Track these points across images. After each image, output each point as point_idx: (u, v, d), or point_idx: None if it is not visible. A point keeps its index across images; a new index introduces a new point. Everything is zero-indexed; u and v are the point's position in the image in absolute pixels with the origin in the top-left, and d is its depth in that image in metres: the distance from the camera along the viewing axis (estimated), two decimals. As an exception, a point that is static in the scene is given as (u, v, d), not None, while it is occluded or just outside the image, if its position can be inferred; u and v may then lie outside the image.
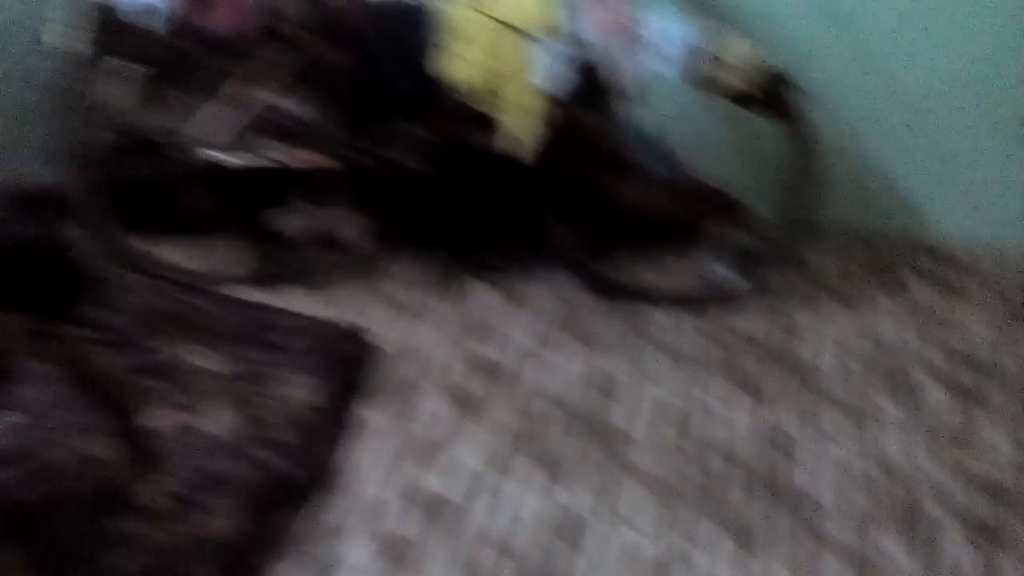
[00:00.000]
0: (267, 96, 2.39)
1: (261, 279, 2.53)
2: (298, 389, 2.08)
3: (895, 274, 2.71)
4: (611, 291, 2.56)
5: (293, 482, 1.88)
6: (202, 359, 2.16)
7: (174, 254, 2.60)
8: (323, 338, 2.26)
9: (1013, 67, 2.60)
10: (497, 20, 2.28)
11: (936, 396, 2.26)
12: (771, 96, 2.25)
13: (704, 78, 2.23)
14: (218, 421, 1.98)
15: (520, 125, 2.31)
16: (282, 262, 2.54)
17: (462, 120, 2.39)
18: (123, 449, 1.76)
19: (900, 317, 2.53)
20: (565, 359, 2.32)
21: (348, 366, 2.20)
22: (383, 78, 2.36)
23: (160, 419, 1.96)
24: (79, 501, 1.80)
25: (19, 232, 1.53)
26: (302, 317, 2.36)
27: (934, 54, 2.62)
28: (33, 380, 2.05)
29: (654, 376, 2.28)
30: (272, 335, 2.26)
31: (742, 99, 2.26)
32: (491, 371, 2.28)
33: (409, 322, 2.43)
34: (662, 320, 2.48)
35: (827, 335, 2.45)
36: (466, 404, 2.17)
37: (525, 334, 2.41)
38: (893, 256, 2.80)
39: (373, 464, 2.00)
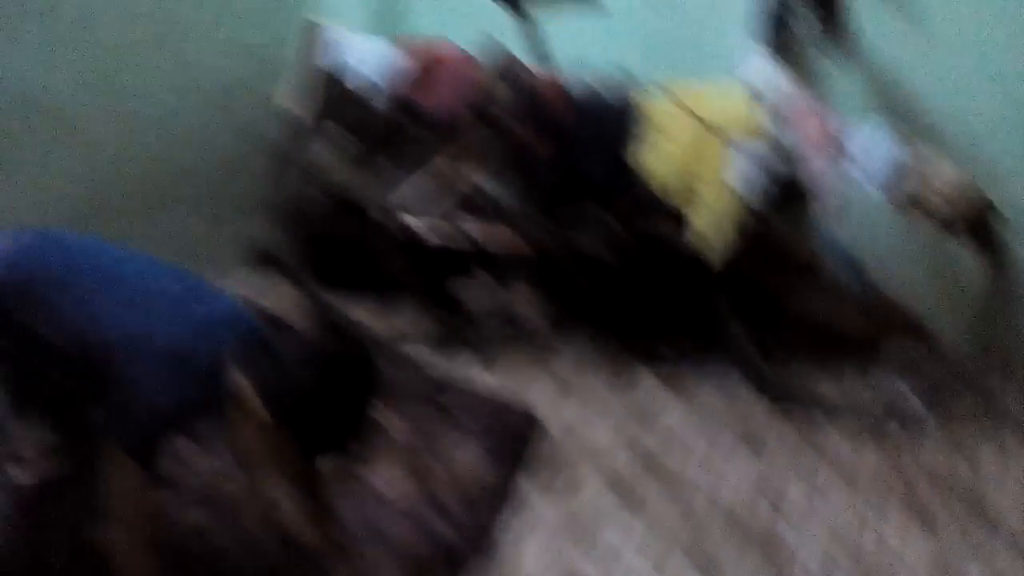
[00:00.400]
0: (469, 173, 2.51)
1: (440, 344, 2.62)
2: (466, 456, 2.13)
3: None
4: (784, 397, 2.51)
5: (453, 548, 1.92)
6: (379, 414, 2.23)
7: (363, 311, 2.75)
8: (493, 409, 2.32)
9: None
10: (700, 119, 2.32)
11: None
12: (975, 224, 2.18)
13: (907, 198, 2.19)
14: (388, 478, 2.05)
15: (710, 223, 2.32)
16: (461, 330, 2.63)
17: (653, 213, 2.43)
18: (298, 494, 1.84)
19: None
20: (731, 462, 2.29)
21: (515, 440, 2.24)
22: (582, 166, 2.43)
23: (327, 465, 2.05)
24: (261, 547, 1.89)
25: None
26: (475, 386, 2.44)
27: None
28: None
29: (825, 494, 2.21)
30: (446, 399, 2.34)
31: (944, 223, 2.20)
32: (654, 464, 2.26)
33: (577, 404, 2.46)
34: (836, 435, 2.41)
35: (1011, 474, 2.32)
36: (627, 494, 2.16)
37: (691, 430, 2.39)
38: None
39: (532, 541, 2.01)
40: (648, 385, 2.55)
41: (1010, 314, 2.32)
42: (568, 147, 2.40)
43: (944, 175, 2.17)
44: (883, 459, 2.33)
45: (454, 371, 2.51)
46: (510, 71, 2.41)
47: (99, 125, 2.27)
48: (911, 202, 2.19)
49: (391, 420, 2.22)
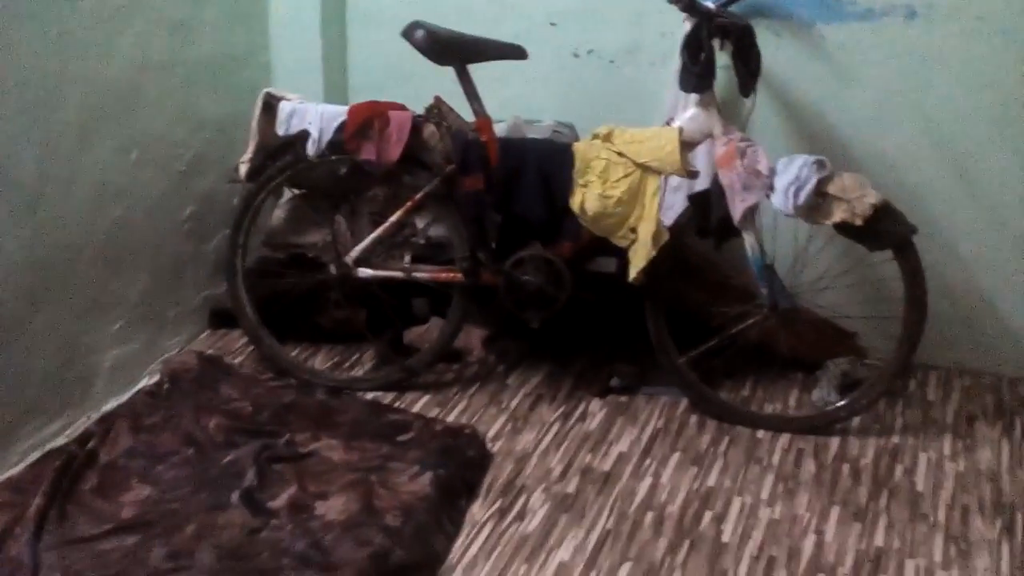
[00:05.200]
0: (408, 217, 2.64)
1: (389, 384, 2.72)
2: (412, 481, 2.21)
3: (995, 408, 2.70)
4: (722, 412, 2.62)
5: (402, 568, 1.97)
6: (328, 450, 2.33)
7: (316, 359, 2.88)
8: (440, 437, 2.40)
9: None
10: (624, 155, 2.46)
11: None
12: (876, 228, 2.31)
13: (812, 209, 2.32)
14: (334, 505, 2.13)
15: (642, 252, 2.44)
16: (409, 369, 2.72)
17: (586, 245, 2.55)
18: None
19: (1000, 448, 2.52)
20: (679, 479, 2.37)
21: (461, 465, 2.32)
22: (521, 208, 2.56)
23: (281, 498, 2.14)
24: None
25: None
26: (422, 418, 2.54)
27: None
28: (171, 459, 2.29)
29: (767, 503, 2.29)
30: (394, 433, 2.42)
31: (848, 230, 2.34)
32: (604, 486, 2.34)
33: (530, 436, 2.54)
34: (772, 443, 2.52)
35: (935, 467, 2.43)
36: (577, 514, 2.23)
37: (641, 453, 2.48)
38: (995, 391, 2.79)
39: (485, 563, 2.07)
40: (599, 415, 2.64)
41: (925, 319, 2.42)
42: (502, 187, 2.53)
43: (845, 184, 2.31)
44: (822, 468, 2.42)
45: (411, 413, 2.59)
46: (436, 113, 2.56)
47: (63, 194, 2.38)
48: (817, 212, 2.33)
49: (344, 456, 2.31)
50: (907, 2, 2.59)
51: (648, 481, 2.35)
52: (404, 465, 2.26)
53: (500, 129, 2.65)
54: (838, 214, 2.30)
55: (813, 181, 2.31)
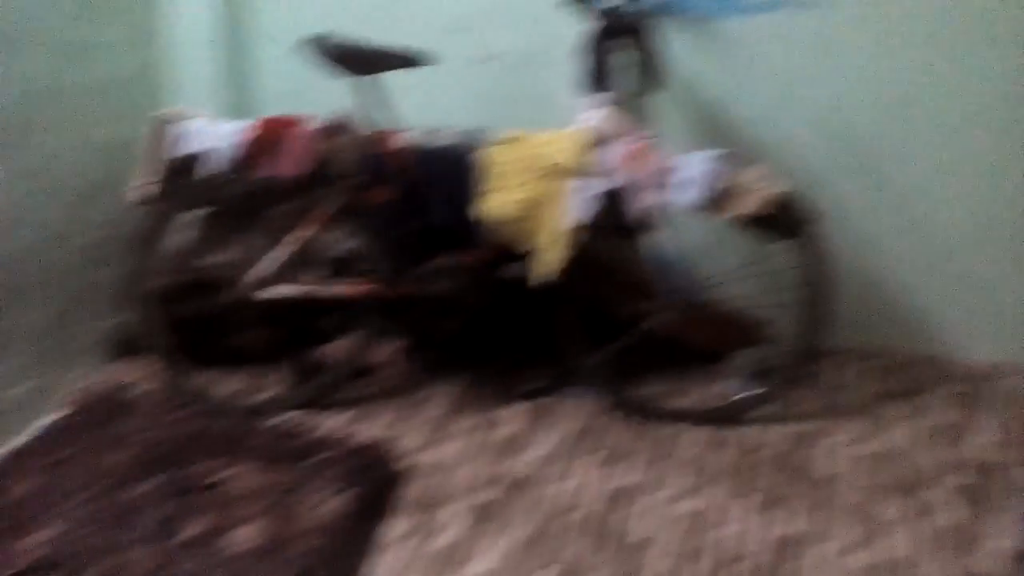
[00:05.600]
0: (317, 232, 2.59)
1: (303, 404, 2.66)
2: (329, 502, 2.17)
3: (905, 388, 2.78)
4: (637, 409, 2.64)
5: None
6: (241, 476, 2.27)
7: (227, 384, 2.80)
8: (356, 455, 2.37)
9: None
10: (531, 159, 2.46)
11: (942, 499, 2.29)
12: (780, 218, 2.36)
13: (717, 203, 2.35)
14: (250, 532, 2.08)
15: (551, 254, 2.44)
16: (323, 387, 2.68)
17: (498, 251, 2.54)
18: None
19: (910, 427, 2.59)
20: (594, 479, 2.37)
21: (377, 481, 2.29)
22: (426, 215, 2.54)
23: (193, 529, 2.08)
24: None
25: None
26: (338, 437, 2.49)
27: (944, 178, 2.75)
28: (80, 495, 2.22)
29: (684, 496, 2.30)
30: (309, 454, 2.38)
31: (753, 221, 2.37)
32: (520, 491, 2.33)
33: (447, 446, 2.52)
34: (688, 437, 2.54)
35: (841, 446, 2.49)
36: (495, 522, 2.21)
37: (550, 450, 2.49)
38: (905, 371, 2.88)
39: (401, 575, 2.05)
40: (518, 419, 2.63)
41: (828, 302, 2.47)
42: (409, 196, 2.51)
43: (747, 177, 2.35)
44: (738, 457, 2.45)
45: (326, 432, 2.55)
46: (340, 125, 2.53)
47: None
48: (721, 206, 2.36)
49: (259, 481, 2.26)
50: (804, -9, 2.66)
51: (570, 483, 2.35)
52: (321, 485, 2.23)
53: (408, 139, 2.63)
54: (742, 206, 2.34)
55: (717, 175, 2.34)
